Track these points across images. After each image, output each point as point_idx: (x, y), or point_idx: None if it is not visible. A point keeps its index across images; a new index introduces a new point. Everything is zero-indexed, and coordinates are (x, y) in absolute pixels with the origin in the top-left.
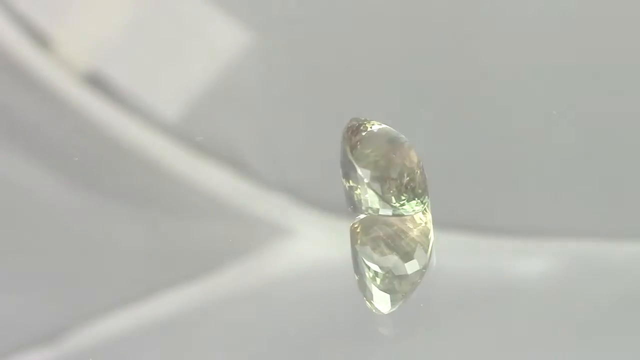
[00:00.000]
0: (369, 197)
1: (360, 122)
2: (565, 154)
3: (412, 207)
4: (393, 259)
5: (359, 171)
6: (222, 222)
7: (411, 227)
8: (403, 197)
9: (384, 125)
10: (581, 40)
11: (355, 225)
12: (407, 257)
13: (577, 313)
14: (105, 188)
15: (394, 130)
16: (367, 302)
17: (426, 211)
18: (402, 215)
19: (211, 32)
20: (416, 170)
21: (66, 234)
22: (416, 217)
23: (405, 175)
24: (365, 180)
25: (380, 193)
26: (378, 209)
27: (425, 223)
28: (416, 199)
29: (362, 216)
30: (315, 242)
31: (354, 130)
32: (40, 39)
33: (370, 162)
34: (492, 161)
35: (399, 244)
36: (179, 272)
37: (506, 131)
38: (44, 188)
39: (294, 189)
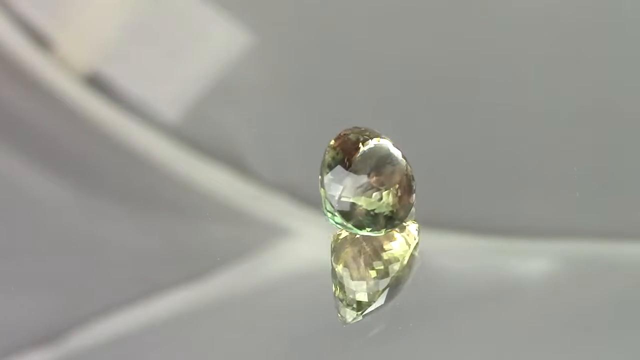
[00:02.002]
0: (328, 209)
1: (355, 138)
2: (565, 154)
3: (371, 230)
4: (361, 274)
5: (324, 180)
6: (222, 223)
7: (394, 246)
8: (361, 219)
9: (379, 142)
10: (581, 38)
11: (337, 235)
12: (376, 276)
13: (576, 313)
14: (105, 188)
15: (387, 149)
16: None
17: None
18: (357, 233)
19: (211, 32)
20: (391, 197)
21: (66, 234)
22: (402, 236)
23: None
24: (328, 193)
25: (326, 209)
26: (336, 222)
27: (409, 244)
28: (377, 224)
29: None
30: (314, 243)
31: (345, 146)
32: (40, 40)
33: None
34: (491, 161)
35: (373, 261)
36: (179, 273)
37: (506, 131)
38: (44, 188)
39: (294, 190)
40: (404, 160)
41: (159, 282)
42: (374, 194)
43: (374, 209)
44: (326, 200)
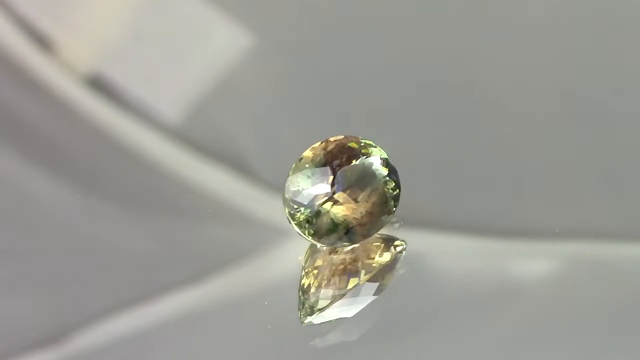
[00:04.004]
0: (284, 206)
1: (349, 149)
2: (565, 155)
3: (323, 240)
4: (325, 280)
5: (299, 180)
6: (223, 224)
7: (367, 261)
8: (320, 226)
9: (367, 159)
10: (580, 38)
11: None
12: (337, 285)
13: (577, 314)
14: (106, 189)
15: (371, 167)
16: None
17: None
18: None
19: (212, 33)
20: (357, 213)
21: (67, 236)
22: (382, 252)
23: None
24: (296, 193)
25: (287, 211)
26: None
27: (381, 263)
28: (335, 234)
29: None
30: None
31: (336, 154)
32: (42, 42)
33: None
34: (491, 162)
35: (341, 271)
36: (181, 274)
37: (507, 132)
38: (45, 189)
39: None
40: (391, 182)
41: (160, 284)
42: (341, 207)
43: (335, 220)
44: (291, 199)
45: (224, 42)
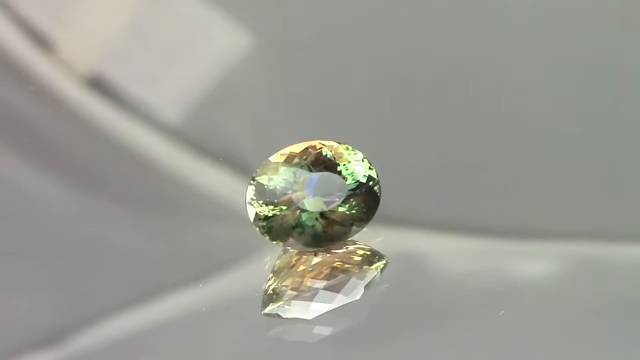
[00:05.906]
0: (246, 198)
1: (331, 159)
2: (566, 155)
3: (272, 239)
4: (296, 279)
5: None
6: (223, 224)
7: (345, 269)
8: (263, 227)
9: (341, 172)
10: (580, 38)
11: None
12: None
13: (577, 314)
14: (106, 190)
15: (345, 180)
16: None
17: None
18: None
19: (212, 34)
20: (316, 224)
21: (66, 236)
22: (358, 262)
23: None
24: (253, 185)
25: (249, 205)
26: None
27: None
28: (287, 236)
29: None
30: None
31: (313, 162)
32: (42, 42)
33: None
34: (491, 163)
35: (314, 274)
36: (180, 274)
37: (506, 133)
38: (45, 190)
39: None
40: (366, 197)
41: (160, 284)
42: (306, 212)
43: (296, 223)
44: (257, 193)
45: (223, 42)
